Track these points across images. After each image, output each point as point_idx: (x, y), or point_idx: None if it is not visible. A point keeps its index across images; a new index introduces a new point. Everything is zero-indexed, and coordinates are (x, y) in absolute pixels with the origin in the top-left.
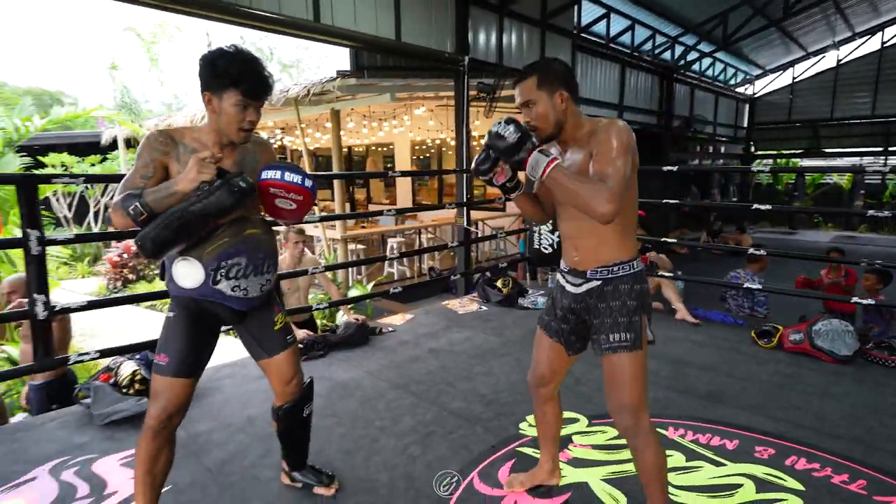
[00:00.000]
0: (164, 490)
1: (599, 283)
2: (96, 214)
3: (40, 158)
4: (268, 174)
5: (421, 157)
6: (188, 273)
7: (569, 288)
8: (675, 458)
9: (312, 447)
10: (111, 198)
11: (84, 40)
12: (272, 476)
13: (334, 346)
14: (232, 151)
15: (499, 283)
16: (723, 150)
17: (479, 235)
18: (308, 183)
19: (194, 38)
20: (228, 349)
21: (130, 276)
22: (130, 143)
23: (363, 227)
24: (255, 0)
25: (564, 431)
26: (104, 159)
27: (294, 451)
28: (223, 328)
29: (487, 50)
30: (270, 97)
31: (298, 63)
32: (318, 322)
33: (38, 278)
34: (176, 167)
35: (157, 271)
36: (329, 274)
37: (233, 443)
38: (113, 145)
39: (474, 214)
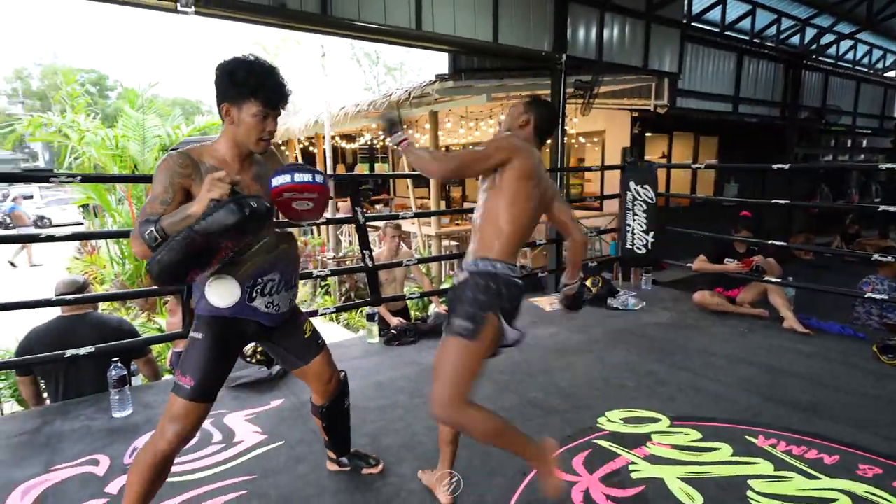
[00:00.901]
0: (278, 444)
1: (466, 275)
2: None
3: None
4: (278, 179)
5: None
6: (224, 292)
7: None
8: (762, 466)
9: (402, 422)
10: None
11: (217, 54)
12: (365, 444)
13: (425, 335)
14: (250, 165)
15: (588, 283)
16: (864, 143)
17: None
18: (319, 178)
19: (310, 50)
20: (331, 333)
21: None
22: None
23: (457, 224)
24: (363, 14)
25: (643, 429)
26: None
27: (340, 440)
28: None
29: (586, 46)
30: (376, 101)
31: (402, 66)
32: (412, 312)
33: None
34: (197, 189)
35: None
36: (423, 268)
37: None
38: None
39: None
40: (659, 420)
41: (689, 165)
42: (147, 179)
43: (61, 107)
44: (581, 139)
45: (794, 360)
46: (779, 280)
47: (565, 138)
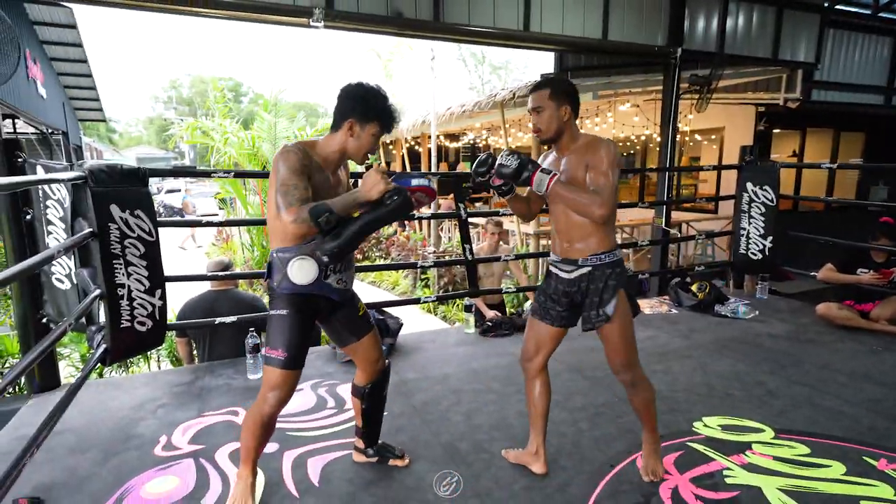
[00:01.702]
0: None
1: (590, 268)
2: None
3: None
4: (418, 181)
5: (624, 154)
6: (306, 271)
7: (562, 275)
8: (881, 490)
9: (495, 405)
10: None
11: (335, 61)
12: (459, 420)
13: (519, 329)
14: (341, 168)
15: (694, 288)
16: None
17: (679, 237)
18: (434, 185)
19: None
20: (429, 323)
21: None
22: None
23: None
24: (472, 18)
25: (743, 438)
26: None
27: (372, 428)
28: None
29: (706, 38)
30: (480, 101)
31: (507, 64)
32: (508, 307)
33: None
34: (311, 178)
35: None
36: (521, 264)
37: (432, 391)
38: None
39: (680, 216)
40: (762, 431)
41: (817, 165)
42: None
43: (204, 112)
44: (697, 137)
45: None
46: None
47: (677, 136)
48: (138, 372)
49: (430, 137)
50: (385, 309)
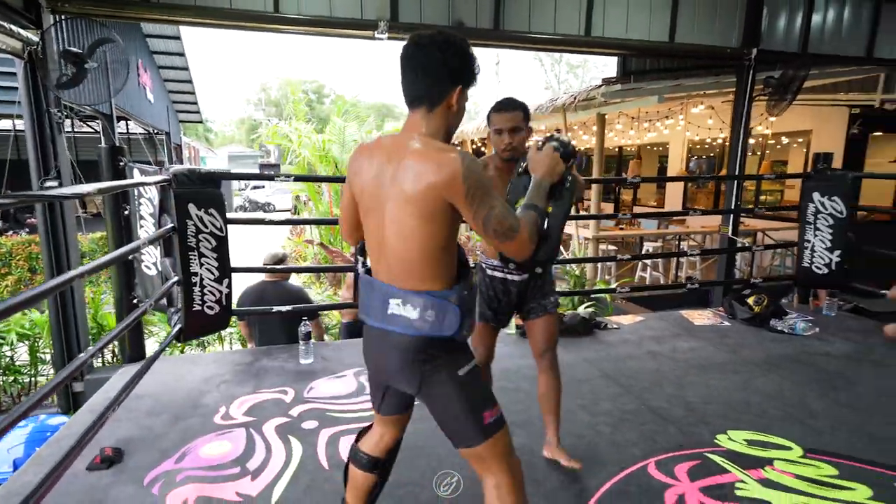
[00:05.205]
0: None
1: (540, 270)
2: None
3: None
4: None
5: (702, 156)
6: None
7: (514, 278)
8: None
9: (522, 405)
10: None
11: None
12: None
13: (560, 332)
14: None
15: (750, 301)
16: None
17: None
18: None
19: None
20: None
21: None
22: None
23: (621, 228)
24: (533, 25)
25: (766, 454)
26: None
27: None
28: None
29: (787, 37)
30: (542, 105)
31: (585, 62)
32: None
33: (361, 246)
34: None
35: None
36: (577, 269)
37: None
38: None
39: (755, 224)
40: (790, 449)
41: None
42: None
43: (288, 114)
44: (784, 139)
45: None
46: None
47: (755, 140)
48: (212, 351)
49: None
50: None
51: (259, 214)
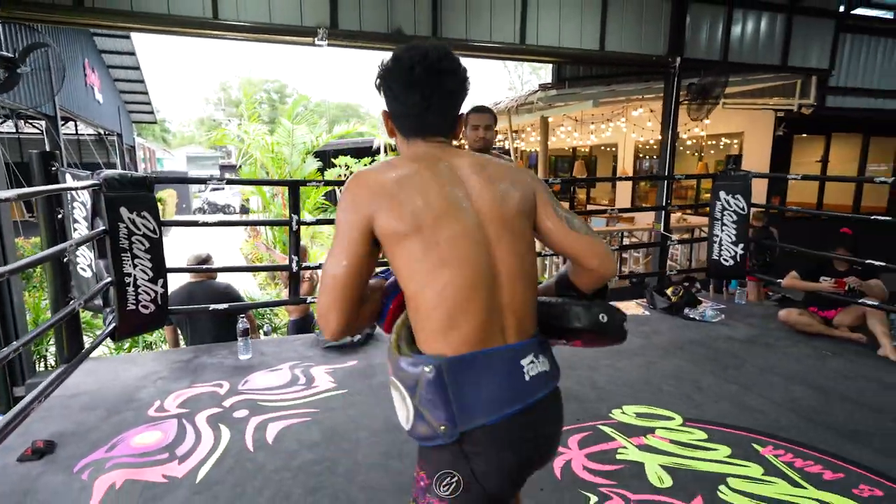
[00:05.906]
0: (343, 391)
1: None
2: None
3: (333, 160)
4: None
5: (651, 157)
6: None
7: None
8: (750, 469)
9: None
10: None
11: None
12: None
13: None
14: None
15: (668, 291)
16: None
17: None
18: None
19: None
20: None
21: None
22: (387, 150)
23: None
24: (470, 32)
25: (651, 424)
26: (373, 160)
27: None
28: None
29: (709, 47)
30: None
31: (547, 66)
32: None
33: (294, 245)
34: None
35: None
36: None
37: None
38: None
39: (696, 220)
40: (672, 419)
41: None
42: (272, 183)
43: (243, 113)
44: (724, 140)
45: (866, 389)
46: (876, 303)
47: (675, 144)
48: (150, 351)
49: None
50: None
51: (219, 217)
